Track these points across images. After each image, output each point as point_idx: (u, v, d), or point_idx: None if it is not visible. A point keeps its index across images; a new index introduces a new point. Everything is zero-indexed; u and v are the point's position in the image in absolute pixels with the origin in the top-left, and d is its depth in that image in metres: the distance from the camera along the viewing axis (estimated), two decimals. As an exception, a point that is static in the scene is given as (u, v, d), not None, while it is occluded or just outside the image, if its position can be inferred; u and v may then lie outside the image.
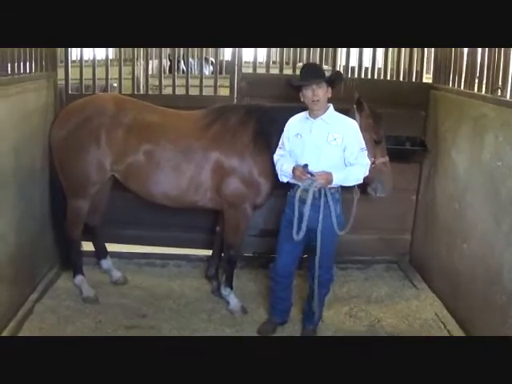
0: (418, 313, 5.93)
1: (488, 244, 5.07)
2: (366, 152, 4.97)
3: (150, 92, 6.82)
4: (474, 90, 5.70)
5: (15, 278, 5.29)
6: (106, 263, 6.40)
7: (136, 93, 6.78)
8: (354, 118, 5.26)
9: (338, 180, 4.85)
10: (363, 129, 5.31)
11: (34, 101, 5.63)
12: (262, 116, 5.57)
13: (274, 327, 5.51)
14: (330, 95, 4.91)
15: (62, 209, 5.86)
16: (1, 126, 4.84)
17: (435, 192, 6.32)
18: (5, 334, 4.97)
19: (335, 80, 4.94)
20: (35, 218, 5.77)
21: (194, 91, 6.66)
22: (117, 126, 5.48)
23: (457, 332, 5.44)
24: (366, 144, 5.16)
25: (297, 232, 4.89)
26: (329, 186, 4.85)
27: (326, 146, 4.88)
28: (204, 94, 6.66)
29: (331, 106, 4.98)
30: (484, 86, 5.49)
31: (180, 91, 6.72)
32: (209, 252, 6.51)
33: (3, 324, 5.05)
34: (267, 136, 5.44)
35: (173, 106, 5.90)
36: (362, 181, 5.00)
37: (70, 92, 6.47)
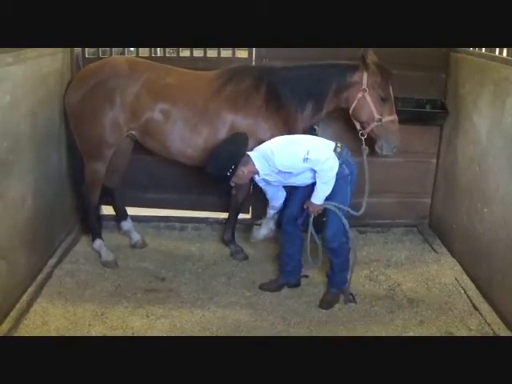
0: (437, 277, 5.91)
1: (509, 208, 5.00)
2: (310, 152, 4.78)
3: (167, 55, 6.75)
4: (495, 52, 5.59)
5: (34, 243, 5.33)
6: (127, 225, 6.44)
7: (153, 55, 6.71)
8: (362, 76, 5.32)
9: (321, 197, 4.98)
10: (369, 86, 5.28)
11: (50, 64, 5.58)
12: (274, 77, 5.53)
13: (278, 286, 5.58)
14: (250, 169, 5.06)
15: (81, 172, 5.86)
16: (17, 89, 4.82)
17: (456, 155, 6.24)
18: (24, 298, 5.04)
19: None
20: (53, 182, 5.78)
21: (211, 54, 6.56)
22: (131, 87, 5.46)
23: (476, 298, 5.41)
24: (373, 102, 5.30)
25: None
26: (320, 203, 5.01)
27: (290, 182, 5.17)
28: (222, 56, 6.56)
29: (253, 157, 5.05)
30: (505, 49, 5.38)
31: (198, 54, 6.63)
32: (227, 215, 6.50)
33: (22, 289, 5.11)
34: (279, 97, 5.47)
35: (190, 68, 5.86)
36: (334, 169, 4.86)
37: (86, 56, 6.42)
